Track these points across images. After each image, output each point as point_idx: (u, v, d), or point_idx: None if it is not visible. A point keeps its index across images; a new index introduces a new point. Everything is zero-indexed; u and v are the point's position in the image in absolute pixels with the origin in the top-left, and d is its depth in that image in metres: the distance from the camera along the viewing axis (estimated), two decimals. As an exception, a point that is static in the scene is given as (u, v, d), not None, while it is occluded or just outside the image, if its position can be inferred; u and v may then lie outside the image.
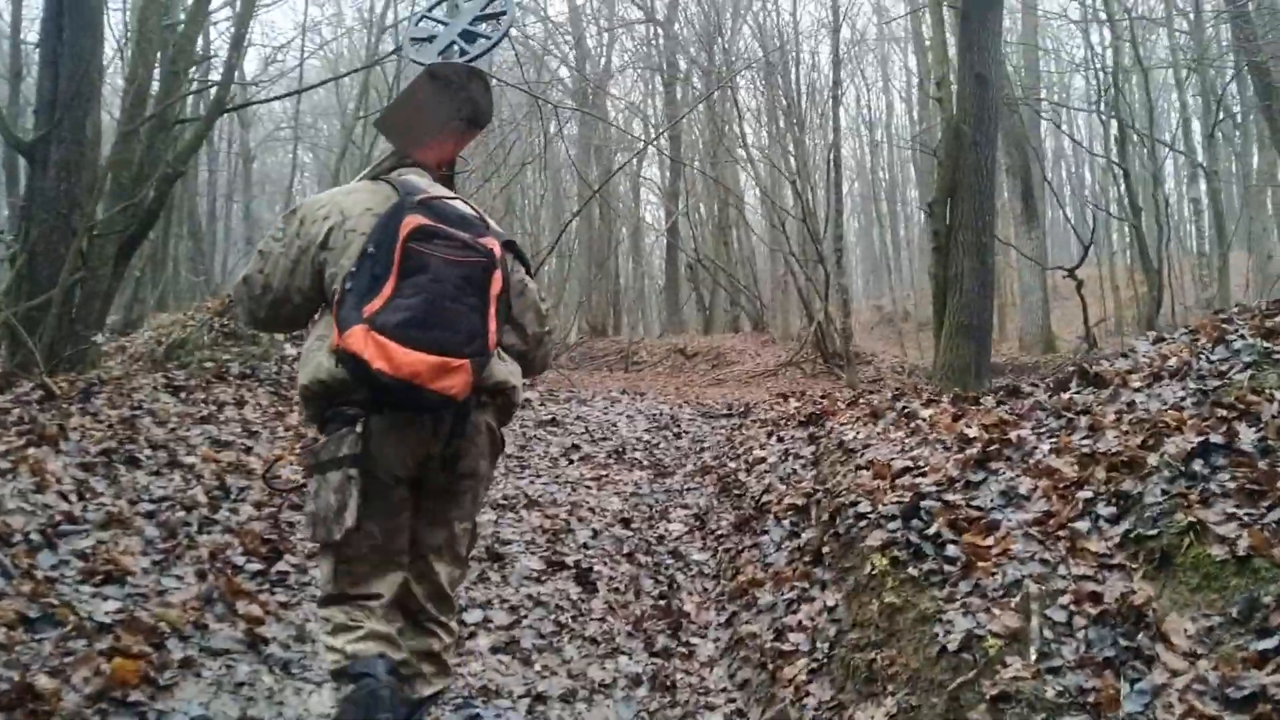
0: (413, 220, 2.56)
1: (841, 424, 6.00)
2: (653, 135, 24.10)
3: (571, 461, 6.81)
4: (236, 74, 26.98)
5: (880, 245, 40.41)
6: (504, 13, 3.21)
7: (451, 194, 2.83)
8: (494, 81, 22.53)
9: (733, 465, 6.52)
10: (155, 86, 8.88)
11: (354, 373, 2.46)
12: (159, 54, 8.18)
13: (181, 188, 23.73)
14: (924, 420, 5.25)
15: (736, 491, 5.90)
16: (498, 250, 2.65)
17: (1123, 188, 17.89)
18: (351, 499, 2.54)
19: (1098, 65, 18.93)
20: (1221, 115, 19.76)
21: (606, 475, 6.55)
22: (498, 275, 2.61)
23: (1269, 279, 26.63)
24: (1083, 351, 18.27)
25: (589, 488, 6.23)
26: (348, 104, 29.72)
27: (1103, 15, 17.68)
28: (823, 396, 7.94)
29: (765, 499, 5.37)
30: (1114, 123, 18.40)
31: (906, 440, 5.02)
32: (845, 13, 18.64)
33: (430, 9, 3.50)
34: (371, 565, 2.64)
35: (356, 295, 2.50)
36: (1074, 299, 25.99)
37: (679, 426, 8.44)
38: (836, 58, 14.67)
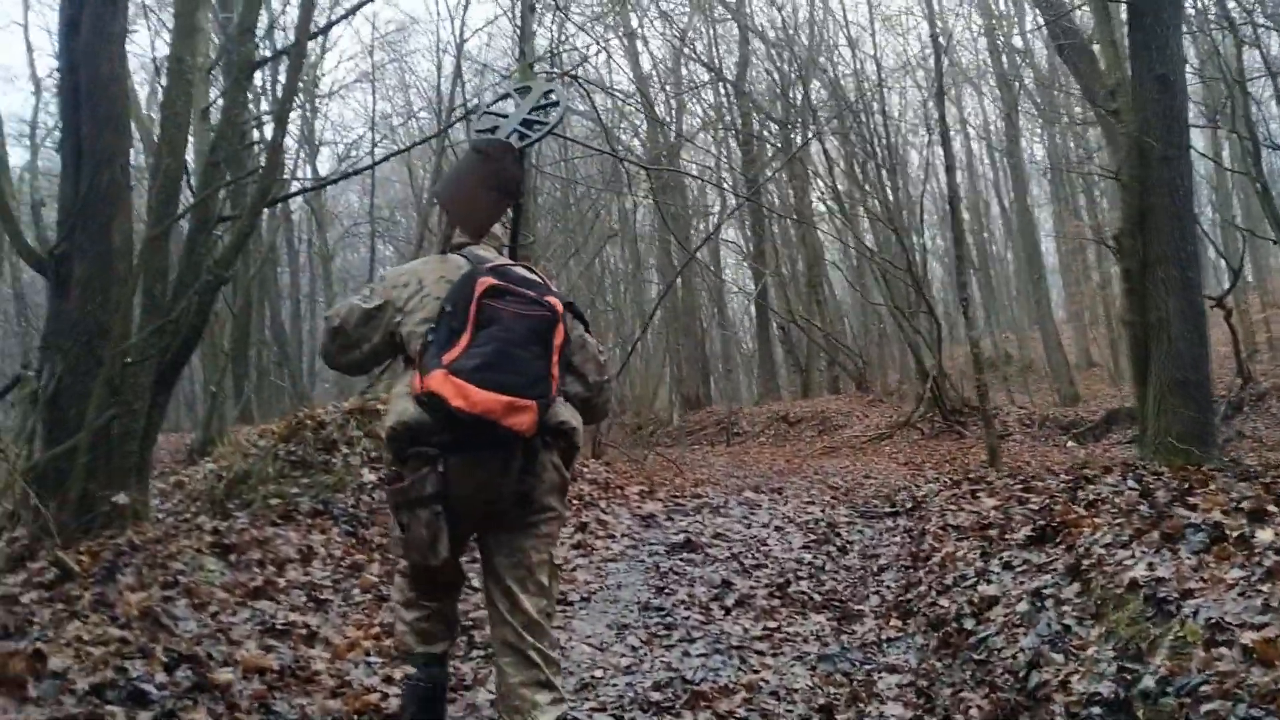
0: (486, 281, 2.82)
1: (1106, 546, 4.23)
2: (734, 193, 22.55)
3: (727, 610, 5.09)
4: (302, 166, 26.17)
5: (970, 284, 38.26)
6: (557, 103, 3.46)
7: (514, 262, 3.11)
8: (581, 153, 21.34)
9: (944, 604, 4.76)
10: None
11: (435, 411, 2.67)
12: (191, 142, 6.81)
13: (259, 291, 22.80)
14: (1271, 548, 3.47)
15: (972, 653, 4.14)
16: (560, 307, 2.84)
17: (1258, 205, 15.81)
18: (442, 532, 2.77)
19: (1217, 72, 16.85)
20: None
21: (778, 627, 4.84)
22: (560, 329, 2.82)
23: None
24: (1237, 388, 16.11)
25: (760, 653, 4.52)
26: (422, 194, 28.90)
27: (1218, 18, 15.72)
28: (1025, 490, 6.13)
29: (1036, 679, 3.61)
30: (1235, 136, 16.39)
31: (1260, 586, 3.25)
32: (946, 43, 16.90)
33: (491, 104, 3.85)
34: (443, 583, 3.01)
35: (437, 346, 2.77)
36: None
37: (839, 536, 6.70)
38: (940, 89, 12.97)
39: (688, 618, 4.94)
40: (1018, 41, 29.80)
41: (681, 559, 6.08)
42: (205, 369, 15.48)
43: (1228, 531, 3.79)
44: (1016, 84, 27.41)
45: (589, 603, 5.25)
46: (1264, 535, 3.58)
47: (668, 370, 29.43)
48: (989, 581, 4.66)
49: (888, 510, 7.35)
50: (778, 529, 6.78)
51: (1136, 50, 7.22)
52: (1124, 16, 7.84)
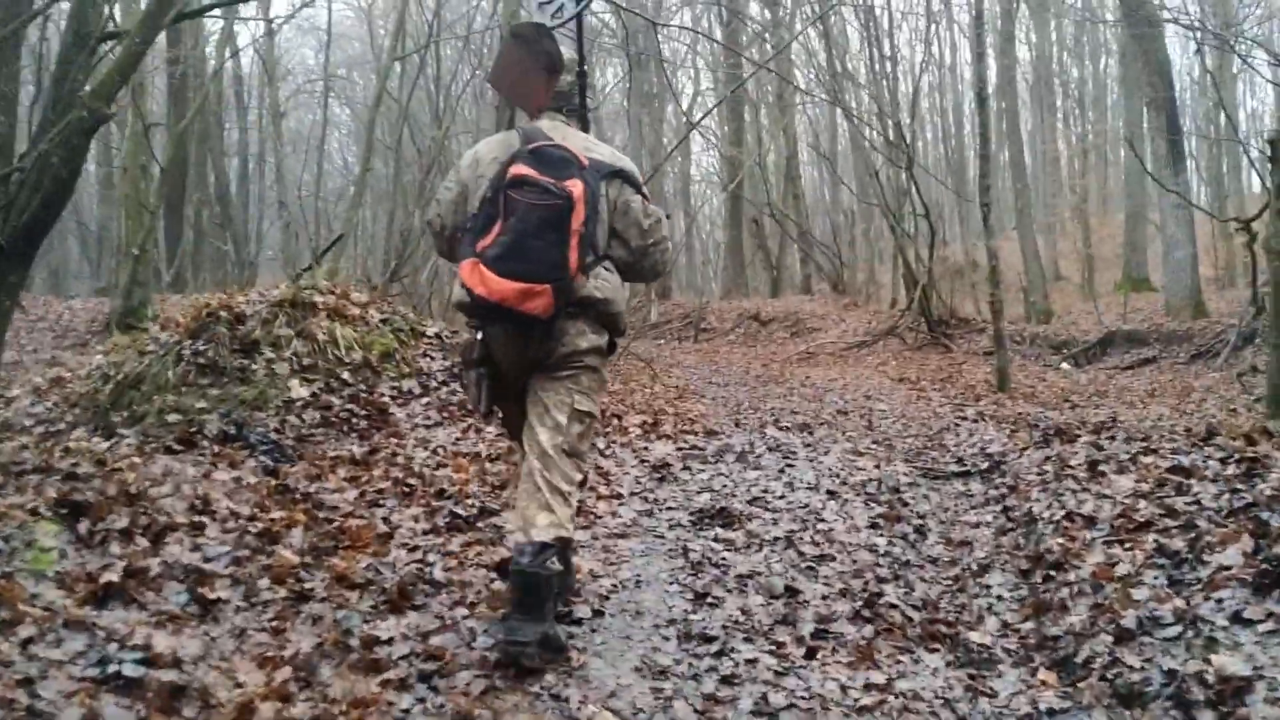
0: (514, 170, 3.03)
1: None
2: (718, 75, 20.45)
3: (810, 652, 3.39)
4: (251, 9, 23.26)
5: (938, 190, 36.53)
6: None
7: (562, 137, 3.18)
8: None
9: (1132, 664, 3.13)
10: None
11: (467, 296, 3.04)
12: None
13: (199, 147, 20.37)
14: None
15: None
16: (578, 191, 2.99)
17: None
18: (484, 390, 3.21)
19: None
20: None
21: (887, 683, 3.17)
22: (577, 212, 2.98)
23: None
24: (1249, 316, 14.69)
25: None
26: (381, 53, 26.27)
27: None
28: (1171, 471, 4.50)
29: None
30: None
31: None
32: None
33: None
34: (511, 431, 3.46)
35: (473, 234, 3.08)
36: (1210, 252, 22.34)
37: (907, 508, 5.05)
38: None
39: (754, 661, 3.25)
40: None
41: (716, 539, 4.37)
42: (129, 229, 13.33)
43: None
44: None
45: (602, 618, 3.54)
46: None
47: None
48: (1216, 640, 3.02)
49: (958, 471, 5.71)
50: (830, 494, 5.08)
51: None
52: None
